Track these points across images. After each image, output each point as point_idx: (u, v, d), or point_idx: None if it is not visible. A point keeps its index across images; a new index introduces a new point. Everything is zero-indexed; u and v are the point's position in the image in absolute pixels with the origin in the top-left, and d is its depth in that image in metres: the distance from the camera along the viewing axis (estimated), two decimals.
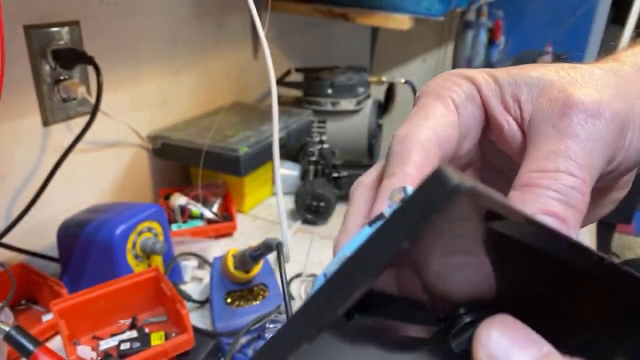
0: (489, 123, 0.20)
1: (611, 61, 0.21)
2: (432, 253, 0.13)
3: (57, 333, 0.51)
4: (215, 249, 0.67)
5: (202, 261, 0.65)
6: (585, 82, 0.18)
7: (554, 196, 0.16)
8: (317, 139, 0.88)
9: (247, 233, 0.74)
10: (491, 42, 2.19)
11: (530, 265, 0.14)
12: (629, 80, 0.19)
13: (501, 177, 0.22)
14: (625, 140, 0.18)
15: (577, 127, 0.17)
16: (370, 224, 0.15)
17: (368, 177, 0.21)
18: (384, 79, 0.99)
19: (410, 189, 0.15)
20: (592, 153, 0.17)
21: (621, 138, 0.18)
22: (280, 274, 0.46)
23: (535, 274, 0.15)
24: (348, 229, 0.19)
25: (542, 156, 0.17)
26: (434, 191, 0.11)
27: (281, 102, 0.98)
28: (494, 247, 0.14)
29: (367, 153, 0.96)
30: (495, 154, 0.21)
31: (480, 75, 0.20)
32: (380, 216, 0.15)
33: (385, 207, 0.16)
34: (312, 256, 0.67)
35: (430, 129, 0.18)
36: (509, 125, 0.19)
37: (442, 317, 0.15)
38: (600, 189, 0.22)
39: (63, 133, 0.64)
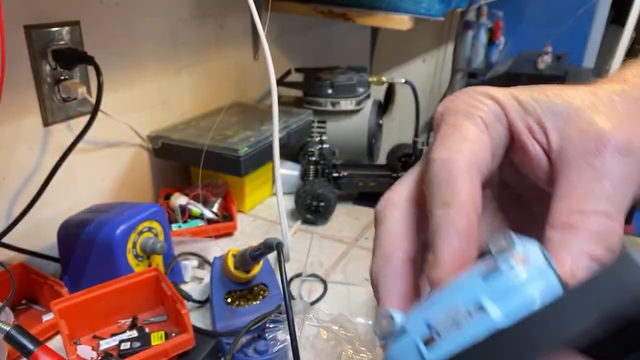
0: (512, 144, 0.20)
1: (620, 82, 0.21)
2: None
3: (57, 333, 0.51)
4: (216, 248, 0.68)
5: (203, 261, 0.65)
6: (610, 112, 0.18)
7: (598, 241, 0.17)
8: (317, 139, 0.88)
9: (247, 233, 0.74)
10: (491, 42, 2.19)
11: None
12: None
13: (513, 194, 0.22)
14: None
15: (612, 166, 0.17)
16: (484, 277, 0.15)
17: (398, 196, 0.21)
18: (383, 79, 0.99)
19: (512, 237, 0.15)
20: (626, 194, 0.17)
21: None
22: (281, 273, 0.46)
23: None
24: (387, 254, 0.20)
25: (580, 195, 0.17)
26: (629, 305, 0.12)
27: (281, 102, 0.98)
28: None
29: (367, 153, 0.96)
30: (510, 172, 0.21)
31: (504, 95, 0.20)
32: (496, 269, 0.15)
33: (481, 262, 0.16)
34: (312, 256, 0.67)
35: (470, 152, 0.18)
36: (534, 149, 0.19)
37: None
38: None
39: (63, 133, 0.64)
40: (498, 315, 0.14)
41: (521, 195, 0.22)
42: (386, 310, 0.17)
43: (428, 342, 0.14)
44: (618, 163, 0.17)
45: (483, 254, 0.17)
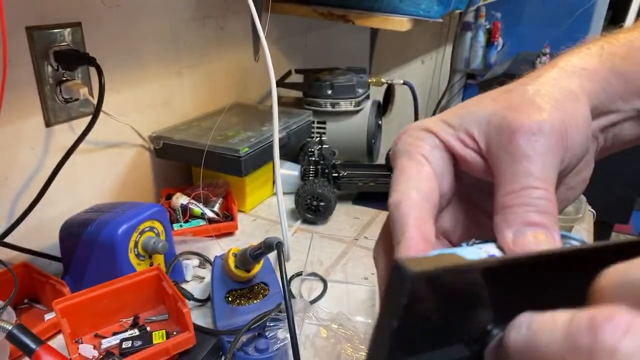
0: (455, 159, 0.23)
1: (550, 67, 0.24)
2: (432, 313, 0.16)
3: (59, 332, 0.52)
4: (216, 248, 0.68)
5: (203, 260, 0.65)
6: (521, 103, 0.21)
7: (529, 209, 0.19)
8: (317, 139, 0.88)
9: (247, 232, 0.74)
10: (489, 43, 2.20)
11: (528, 280, 0.17)
12: (556, 88, 0.22)
13: (476, 192, 0.26)
14: (567, 141, 0.21)
15: (525, 147, 0.20)
16: None
17: (380, 243, 0.24)
18: (383, 80, 1.00)
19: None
20: (545, 164, 0.20)
21: (562, 142, 0.21)
22: (281, 272, 0.46)
23: (536, 282, 0.17)
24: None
25: (507, 180, 0.20)
26: (398, 286, 0.15)
27: (281, 102, 0.99)
28: (490, 282, 0.16)
29: (367, 153, 0.97)
30: (465, 178, 0.25)
31: (435, 124, 0.23)
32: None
33: None
34: (312, 255, 0.67)
35: (415, 189, 0.21)
36: (471, 156, 0.22)
37: (474, 339, 0.17)
38: (566, 177, 0.25)
39: (65, 133, 0.65)
40: None
41: (484, 188, 0.25)
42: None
43: None
44: (529, 143, 0.20)
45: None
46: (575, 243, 0.20)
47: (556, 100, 0.21)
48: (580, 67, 0.24)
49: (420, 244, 0.20)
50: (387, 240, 0.23)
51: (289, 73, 1.04)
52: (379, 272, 0.24)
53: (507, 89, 0.23)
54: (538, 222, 0.19)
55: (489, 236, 0.21)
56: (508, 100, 0.22)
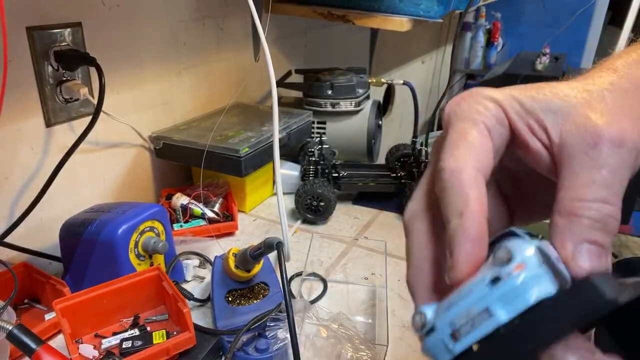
0: (514, 141, 0.22)
1: (610, 74, 0.22)
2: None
3: (59, 331, 0.52)
4: (217, 248, 0.68)
5: (204, 260, 0.65)
6: (603, 108, 0.20)
7: (597, 226, 0.19)
8: (317, 139, 0.88)
9: (248, 232, 0.74)
10: (489, 43, 2.20)
11: None
12: (631, 102, 0.21)
13: (512, 177, 0.25)
14: (638, 160, 0.20)
15: (609, 157, 0.19)
16: (492, 282, 0.18)
17: (418, 205, 0.23)
18: (383, 80, 1.00)
19: (510, 249, 0.18)
20: (622, 180, 0.19)
21: (637, 160, 0.20)
22: (281, 272, 0.46)
23: None
24: (418, 265, 0.22)
25: (582, 184, 0.19)
26: (590, 303, 0.16)
27: (281, 103, 0.99)
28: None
29: (367, 153, 0.97)
30: (510, 160, 0.23)
31: (506, 98, 0.21)
32: (497, 280, 0.18)
33: (489, 265, 0.19)
34: (312, 255, 0.67)
35: (476, 160, 0.20)
36: (535, 145, 0.21)
37: None
38: None
39: (65, 134, 0.65)
40: (503, 315, 0.18)
41: (520, 178, 0.24)
42: (419, 307, 0.21)
43: (453, 337, 0.19)
44: (613, 154, 0.19)
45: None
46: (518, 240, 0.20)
47: (632, 114, 0.20)
48: None
49: (483, 221, 0.19)
50: (430, 203, 0.22)
51: (289, 73, 1.04)
52: (414, 236, 0.23)
53: (585, 87, 0.21)
54: (601, 243, 0.19)
55: (506, 226, 0.21)
56: (589, 102, 0.20)
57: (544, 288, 0.17)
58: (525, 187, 0.25)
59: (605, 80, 0.22)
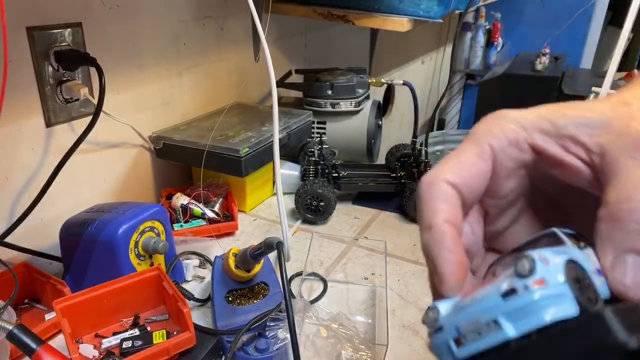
0: (545, 161, 0.21)
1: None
2: None
3: (59, 331, 0.52)
4: (217, 248, 0.68)
5: (204, 260, 0.65)
6: None
7: None
8: (317, 139, 0.88)
9: (248, 232, 0.74)
10: (489, 43, 2.20)
11: None
12: None
13: (549, 198, 0.24)
14: None
15: None
16: (507, 293, 0.17)
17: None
18: (383, 80, 1.00)
19: (534, 260, 0.17)
20: None
21: None
22: (281, 272, 0.46)
23: None
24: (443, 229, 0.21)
25: (628, 186, 0.18)
26: (597, 342, 0.14)
27: (282, 103, 0.99)
28: None
29: (367, 153, 0.97)
30: (545, 180, 0.23)
31: (534, 118, 0.21)
32: (512, 292, 0.17)
33: (510, 273, 0.18)
34: (312, 255, 0.68)
35: (456, 176, 0.20)
36: (572, 162, 0.20)
37: None
38: None
39: (66, 134, 0.65)
40: (511, 331, 0.16)
41: (557, 198, 0.23)
42: (434, 303, 0.20)
43: (458, 341, 0.18)
44: None
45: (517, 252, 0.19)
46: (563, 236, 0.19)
47: None
48: None
49: (453, 231, 0.19)
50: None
51: (289, 73, 1.04)
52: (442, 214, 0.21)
53: (623, 102, 0.21)
54: None
55: None
56: (630, 113, 0.20)
57: (562, 309, 0.16)
58: (565, 207, 0.24)
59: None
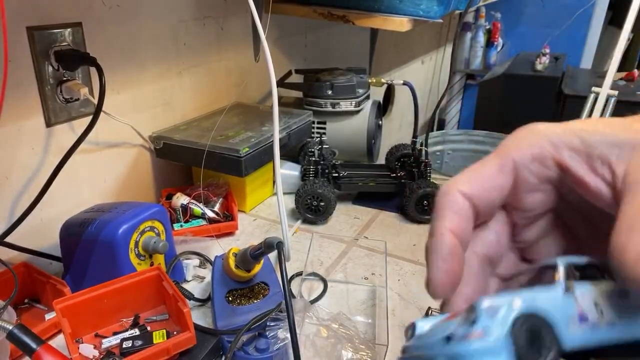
0: (570, 178, 0.21)
1: None
2: None
3: (59, 331, 0.52)
4: (217, 248, 0.68)
5: (204, 260, 0.65)
6: None
7: None
8: (317, 139, 0.88)
9: (248, 232, 0.74)
10: (489, 43, 2.20)
11: None
12: None
13: (580, 213, 0.23)
14: None
15: None
16: (448, 338, 0.17)
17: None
18: (383, 80, 1.00)
19: (478, 311, 0.17)
20: None
21: None
22: (281, 272, 0.46)
23: None
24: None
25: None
26: None
27: (282, 103, 0.99)
28: None
29: (367, 153, 0.97)
30: (573, 196, 0.22)
31: (564, 134, 0.21)
32: (451, 338, 0.17)
33: (463, 316, 0.18)
34: (312, 255, 0.68)
35: (470, 186, 0.21)
36: (594, 183, 0.20)
37: None
38: None
39: (66, 133, 0.65)
40: None
41: (588, 214, 0.23)
42: (415, 320, 0.21)
43: None
44: None
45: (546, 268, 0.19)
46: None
47: None
48: None
49: (453, 241, 0.20)
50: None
51: (289, 73, 1.04)
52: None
53: None
54: None
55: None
56: None
57: None
58: (596, 224, 0.24)
59: None
